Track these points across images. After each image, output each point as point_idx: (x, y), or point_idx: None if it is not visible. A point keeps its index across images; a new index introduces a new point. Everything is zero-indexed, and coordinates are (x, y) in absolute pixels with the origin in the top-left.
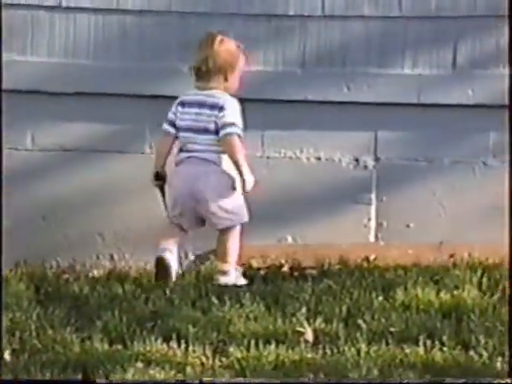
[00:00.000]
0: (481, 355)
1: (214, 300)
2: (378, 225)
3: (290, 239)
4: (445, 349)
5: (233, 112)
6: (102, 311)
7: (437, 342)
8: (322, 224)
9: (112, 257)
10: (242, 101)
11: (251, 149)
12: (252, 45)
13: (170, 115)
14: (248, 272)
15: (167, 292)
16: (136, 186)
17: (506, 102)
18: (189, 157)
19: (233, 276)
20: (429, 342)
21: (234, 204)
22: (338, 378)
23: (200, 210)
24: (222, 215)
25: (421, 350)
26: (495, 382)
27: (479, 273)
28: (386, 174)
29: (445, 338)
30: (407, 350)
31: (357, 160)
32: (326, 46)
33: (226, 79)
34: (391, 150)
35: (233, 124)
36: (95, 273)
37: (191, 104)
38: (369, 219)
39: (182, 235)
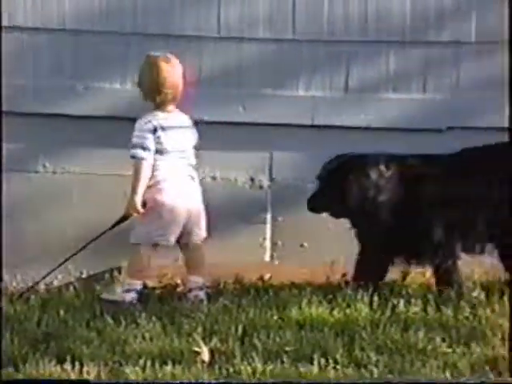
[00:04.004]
0: (372, 372)
1: (109, 320)
2: (273, 244)
3: None
4: (338, 367)
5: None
6: None
7: (330, 361)
8: (218, 243)
9: (1, 277)
10: (130, 121)
11: None
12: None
13: None
14: (143, 292)
15: (61, 313)
16: (29, 205)
17: (397, 125)
18: None
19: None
20: (323, 361)
21: None
22: None
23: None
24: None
25: (315, 368)
26: (496, 382)
27: (370, 291)
28: (281, 194)
29: (338, 356)
30: (302, 369)
31: (252, 180)
32: (221, 66)
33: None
34: (286, 170)
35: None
36: None
37: None
38: (264, 238)
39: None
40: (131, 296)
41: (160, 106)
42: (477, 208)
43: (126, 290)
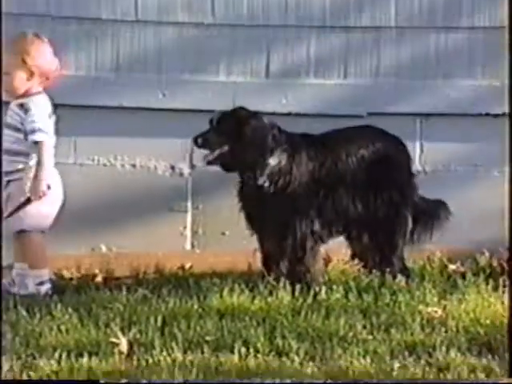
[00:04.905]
0: (293, 360)
1: (23, 312)
2: (194, 232)
3: (104, 248)
4: (259, 355)
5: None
6: None
7: (251, 349)
8: (138, 232)
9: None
10: (54, 106)
11: (63, 156)
12: (62, 48)
13: None
14: (60, 282)
15: None
16: None
17: (318, 110)
18: None
19: None
20: (244, 350)
21: None
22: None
23: None
24: None
25: (235, 357)
26: (495, 382)
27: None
28: (202, 182)
29: (259, 344)
30: (222, 359)
31: (172, 167)
32: (139, 51)
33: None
34: None
35: None
36: None
37: None
38: (184, 227)
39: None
40: (46, 287)
41: (37, 89)
42: (332, 193)
43: (38, 283)
